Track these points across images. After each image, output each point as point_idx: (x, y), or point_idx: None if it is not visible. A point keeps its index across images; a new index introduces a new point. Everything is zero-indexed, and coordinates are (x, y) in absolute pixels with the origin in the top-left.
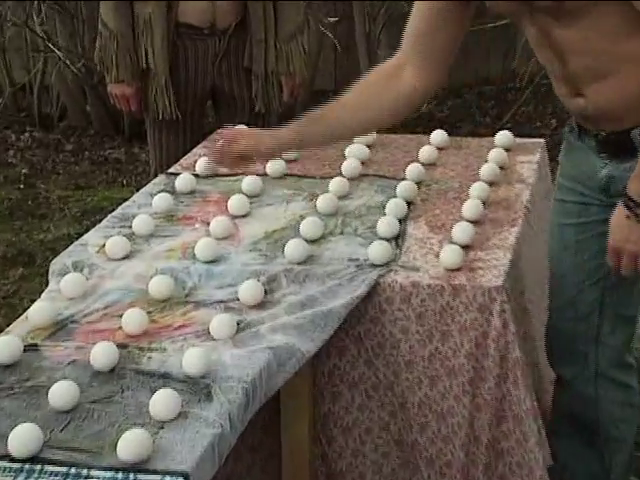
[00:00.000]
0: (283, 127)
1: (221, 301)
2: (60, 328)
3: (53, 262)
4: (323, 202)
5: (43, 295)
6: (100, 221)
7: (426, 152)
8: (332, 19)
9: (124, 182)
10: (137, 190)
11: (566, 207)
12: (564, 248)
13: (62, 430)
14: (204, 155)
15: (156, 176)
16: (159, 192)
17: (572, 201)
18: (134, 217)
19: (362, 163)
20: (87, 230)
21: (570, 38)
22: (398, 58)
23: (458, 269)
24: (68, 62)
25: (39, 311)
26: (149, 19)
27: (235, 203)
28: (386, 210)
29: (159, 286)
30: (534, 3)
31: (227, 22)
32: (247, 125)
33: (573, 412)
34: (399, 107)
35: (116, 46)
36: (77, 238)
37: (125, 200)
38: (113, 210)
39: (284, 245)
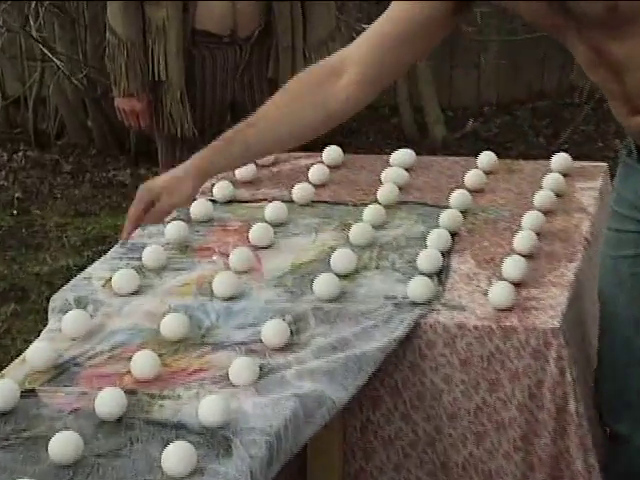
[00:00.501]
0: (190, 159)
1: (242, 343)
2: (61, 372)
3: (53, 298)
4: (356, 232)
5: (42, 335)
6: (103, 252)
7: (473, 177)
8: (365, 26)
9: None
10: None
11: (621, 237)
12: (618, 283)
13: None
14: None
15: None
16: (172, 220)
17: (629, 230)
18: (144, 247)
19: (400, 188)
20: (88, 262)
21: (627, 52)
22: (341, 59)
23: (509, 309)
24: (68, 72)
25: (37, 352)
26: (162, 24)
27: (257, 233)
28: (427, 242)
29: (172, 325)
30: (582, 15)
31: (249, 29)
32: None
33: (632, 472)
34: (327, 120)
35: (126, 55)
36: (77, 271)
37: None
38: (117, 240)
39: (312, 280)
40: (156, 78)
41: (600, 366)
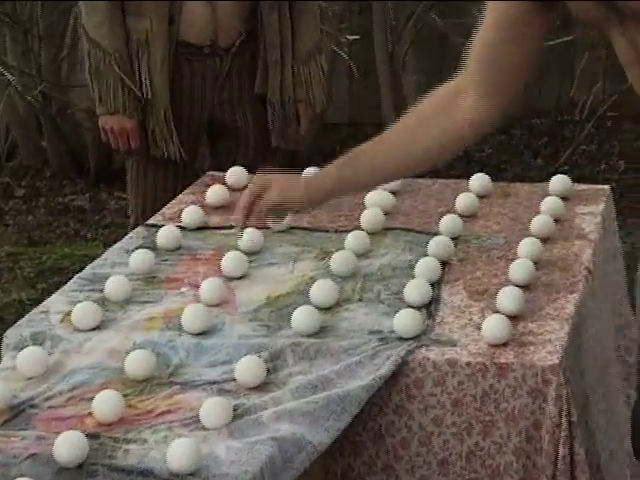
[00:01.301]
0: (319, 173)
1: (214, 382)
2: (16, 414)
3: (7, 334)
4: (338, 261)
5: None
6: (59, 284)
7: (464, 200)
8: (350, 37)
9: (89, 236)
10: (106, 245)
11: None
12: None
13: None
14: (233, 215)
15: (136, 222)
16: (137, 248)
17: None
18: (106, 278)
19: (386, 213)
20: (43, 295)
21: None
22: (458, 82)
23: (504, 344)
24: (20, 87)
25: None
26: (145, 38)
27: (230, 262)
28: (415, 271)
29: (137, 363)
30: (628, 11)
31: (231, 38)
32: (251, 164)
33: None
34: (453, 143)
35: (116, 69)
36: (30, 305)
37: (91, 258)
38: (75, 271)
39: (290, 314)
40: (142, 95)
41: None
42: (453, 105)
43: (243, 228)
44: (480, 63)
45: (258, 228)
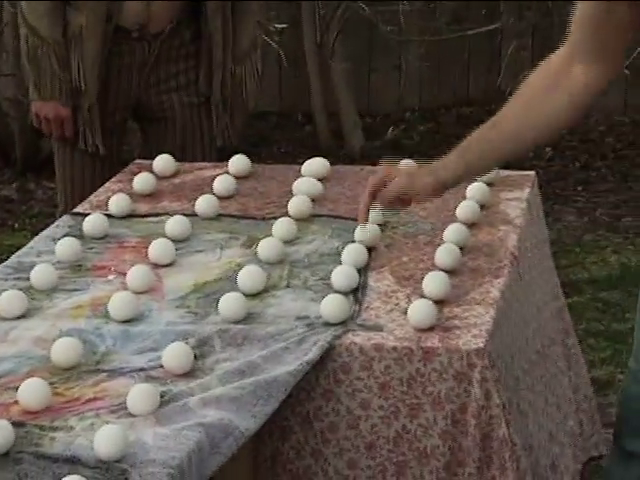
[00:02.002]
0: (440, 161)
1: (141, 369)
2: None
3: None
4: (265, 248)
5: None
6: None
7: None
8: (279, 26)
9: (16, 225)
10: (33, 235)
11: None
12: None
13: None
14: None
15: (65, 209)
16: (63, 236)
17: None
18: (32, 267)
19: (313, 200)
20: None
21: None
22: (564, 51)
23: (430, 329)
24: None
25: None
26: (80, 33)
27: (157, 249)
28: (342, 258)
29: (64, 351)
30: None
31: (161, 25)
32: (179, 152)
33: None
34: (572, 110)
35: (51, 57)
36: None
37: (17, 248)
38: (2, 261)
39: (218, 300)
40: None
41: (630, 382)
42: (564, 74)
43: (366, 221)
44: (583, 31)
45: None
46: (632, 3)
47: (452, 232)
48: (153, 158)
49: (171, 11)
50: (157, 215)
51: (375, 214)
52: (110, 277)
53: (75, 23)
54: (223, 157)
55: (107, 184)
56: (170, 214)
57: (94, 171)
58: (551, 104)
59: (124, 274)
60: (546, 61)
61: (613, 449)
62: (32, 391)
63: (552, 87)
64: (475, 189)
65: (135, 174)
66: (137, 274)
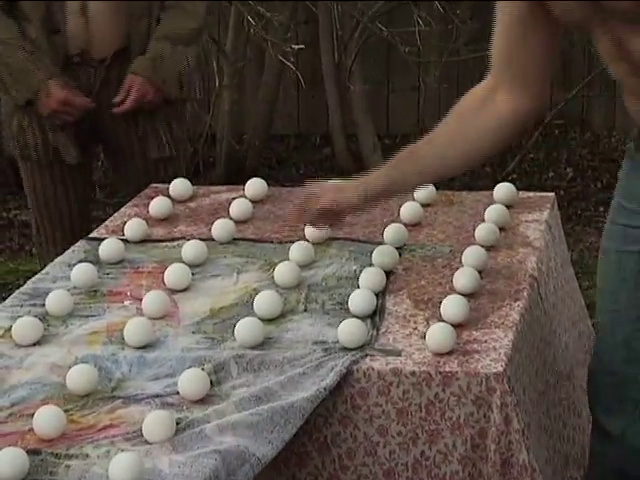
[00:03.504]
0: (368, 174)
1: (157, 395)
2: None
3: None
4: (282, 272)
5: None
6: (3, 299)
7: (409, 209)
8: (296, 47)
9: (33, 251)
10: (50, 261)
11: (629, 233)
12: (621, 279)
13: None
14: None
15: (38, 233)
16: (79, 262)
17: (637, 226)
18: (48, 293)
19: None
20: None
21: None
22: (488, 81)
23: (449, 353)
24: None
25: None
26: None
27: (173, 274)
28: (360, 281)
29: (79, 378)
30: (610, 10)
31: (105, 50)
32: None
33: (623, 469)
34: (500, 135)
35: (21, 51)
36: None
37: (34, 274)
38: (19, 287)
39: (234, 325)
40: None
41: (596, 363)
42: (490, 100)
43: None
44: (503, 60)
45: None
46: (547, 31)
47: (471, 255)
48: (115, 184)
49: (115, 36)
50: (173, 240)
51: (391, 237)
52: (126, 303)
53: (27, 35)
54: (240, 180)
55: (122, 209)
56: (186, 238)
57: (66, 192)
58: (480, 126)
59: (140, 299)
60: (470, 92)
61: (592, 428)
62: (47, 419)
63: (480, 111)
64: (494, 211)
65: (151, 198)
66: (153, 299)
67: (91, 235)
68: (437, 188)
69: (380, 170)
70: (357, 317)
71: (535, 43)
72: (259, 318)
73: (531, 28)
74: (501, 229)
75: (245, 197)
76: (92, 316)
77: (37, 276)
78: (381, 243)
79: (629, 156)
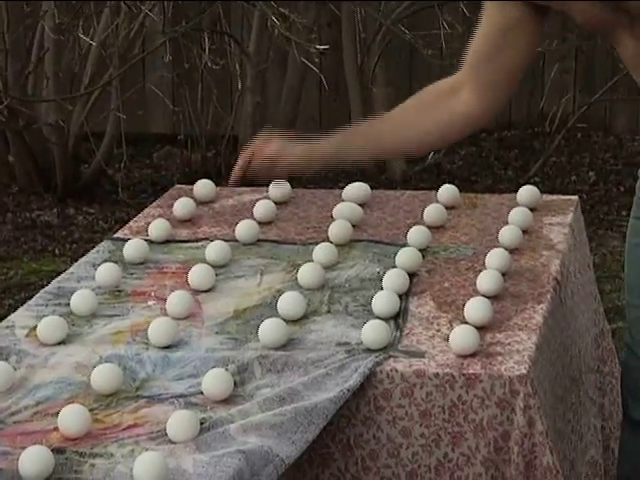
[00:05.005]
0: (320, 139)
1: (181, 395)
2: None
3: None
4: (306, 273)
5: None
6: (26, 300)
7: (432, 212)
8: (320, 47)
9: (56, 251)
10: (73, 261)
11: None
12: None
13: None
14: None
15: None
16: (103, 262)
17: None
18: (72, 293)
19: (353, 226)
20: (9, 311)
21: None
22: (456, 77)
23: (472, 355)
24: None
25: None
26: None
27: (197, 275)
28: (383, 283)
29: (104, 377)
30: (635, 9)
31: None
32: None
33: None
34: (452, 128)
35: None
36: None
37: (58, 274)
38: (43, 287)
39: (258, 326)
40: None
41: (628, 355)
42: (452, 97)
43: (236, 185)
44: (476, 62)
45: (249, 184)
46: (525, 48)
47: (494, 257)
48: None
49: None
50: (197, 240)
51: (415, 239)
52: (150, 303)
53: None
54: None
55: (146, 209)
56: (210, 239)
57: None
58: (434, 118)
59: (164, 300)
60: (437, 83)
61: (623, 421)
62: (72, 417)
63: (440, 104)
64: (517, 214)
65: (175, 199)
66: (177, 300)
67: (115, 235)
68: (460, 190)
69: (331, 138)
70: (380, 319)
71: (511, 55)
72: (283, 319)
73: (511, 41)
74: (524, 232)
75: (268, 198)
76: (116, 316)
77: (62, 276)
78: (405, 245)
79: None
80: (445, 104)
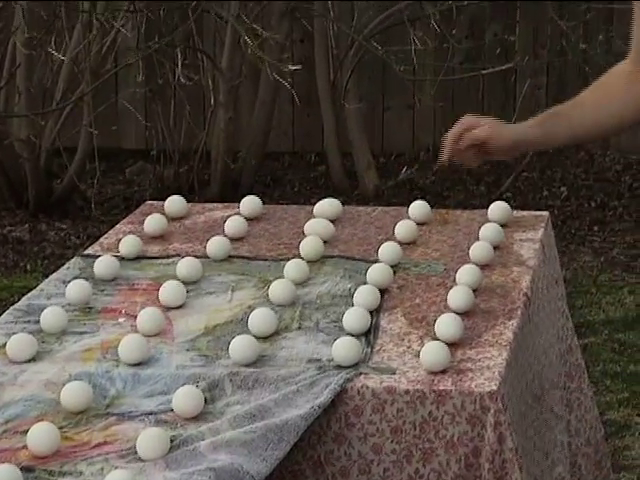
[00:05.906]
0: (517, 126)
1: (151, 412)
2: None
3: None
4: (277, 290)
5: None
6: None
7: (403, 228)
8: (292, 67)
9: (28, 267)
10: (45, 277)
11: None
12: None
13: None
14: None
15: None
16: (73, 278)
17: None
18: (42, 310)
19: (325, 242)
20: None
21: None
22: (627, 65)
23: (443, 371)
24: None
25: None
26: None
27: (168, 292)
28: (354, 299)
29: (73, 395)
30: None
31: None
32: None
33: None
34: (632, 114)
35: None
36: None
37: (29, 290)
38: (14, 303)
39: (228, 343)
40: None
41: None
42: (632, 82)
43: (444, 164)
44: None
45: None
46: None
47: (465, 273)
48: None
49: None
50: (168, 257)
51: (386, 255)
52: (120, 320)
53: None
54: (235, 198)
55: (117, 225)
56: (181, 256)
57: None
58: (623, 102)
59: (134, 316)
60: (609, 72)
61: None
62: (41, 435)
63: (623, 88)
64: (488, 230)
65: (146, 215)
66: (147, 317)
67: (86, 252)
68: (432, 206)
69: (527, 124)
70: (351, 335)
71: None
72: (253, 336)
73: None
74: (495, 248)
75: (240, 215)
76: (86, 333)
77: (31, 292)
78: (376, 261)
79: None
80: (630, 87)
